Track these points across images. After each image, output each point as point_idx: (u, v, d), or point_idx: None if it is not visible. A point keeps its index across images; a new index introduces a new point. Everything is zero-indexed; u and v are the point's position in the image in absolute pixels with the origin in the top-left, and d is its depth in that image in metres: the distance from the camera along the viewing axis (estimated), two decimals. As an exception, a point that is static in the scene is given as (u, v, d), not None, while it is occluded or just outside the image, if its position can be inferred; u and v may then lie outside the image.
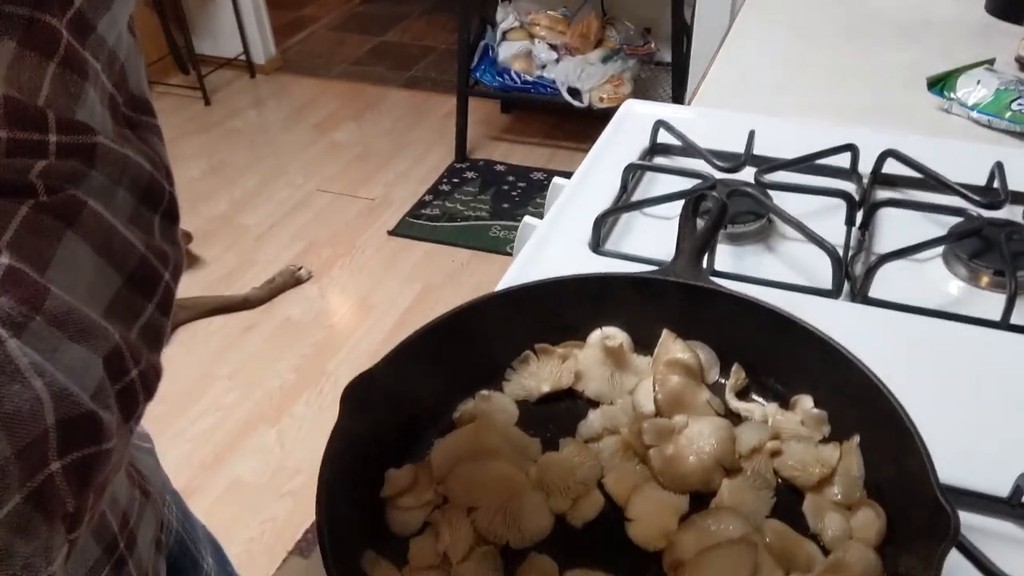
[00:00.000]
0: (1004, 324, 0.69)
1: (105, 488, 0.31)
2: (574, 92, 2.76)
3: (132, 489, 0.49)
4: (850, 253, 0.78)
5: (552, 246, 0.80)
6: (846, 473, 0.50)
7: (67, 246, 0.29)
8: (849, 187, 0.84)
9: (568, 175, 0.93)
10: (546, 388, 0.58)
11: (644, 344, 0.60)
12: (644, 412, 0.55)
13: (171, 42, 3.51)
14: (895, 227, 0.82)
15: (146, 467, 0.56)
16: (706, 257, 0.72)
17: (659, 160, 0.96)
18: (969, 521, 0.52)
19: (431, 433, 0.54)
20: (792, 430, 0.53)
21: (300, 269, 2.44)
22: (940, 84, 1.06)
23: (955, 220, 0.80)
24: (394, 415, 0.53)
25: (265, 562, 1.66)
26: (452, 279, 2.41)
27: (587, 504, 0.49)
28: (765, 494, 0.50)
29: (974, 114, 1.02)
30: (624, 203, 0.86)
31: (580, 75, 2.75)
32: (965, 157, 0.89)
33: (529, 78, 2.82)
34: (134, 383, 0.32)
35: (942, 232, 0.78)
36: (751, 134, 0.92)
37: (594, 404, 0.57)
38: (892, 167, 0.88)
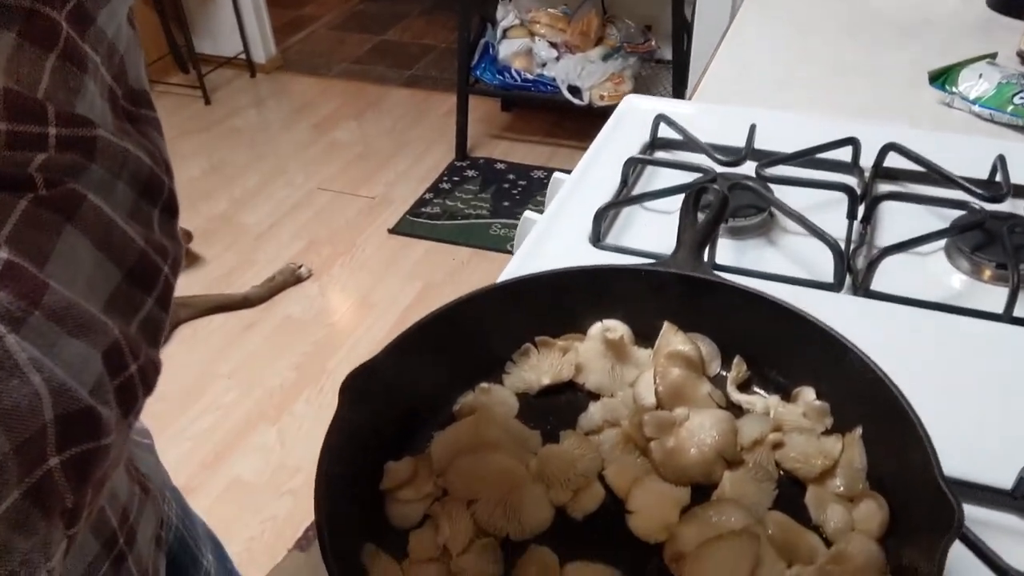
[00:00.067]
0: (1007, 317, 0.68)
1: (104, 483, 0.31)
2: (574, 90, 2.75)
3: (132, 485, 0.49)
4: (852, 247, 0.77)
5: (552, 240, 0.80)
6: (848, 465, 0.49)
7: (66, 240, 0.29)
8: (851, 181, 0.84)
9: (569, 172, 0.93)
10: (546, 381, 0.57)
11: (645, 337, 0.59)
12: (645, 404, 0.54)
13: (171, 41, 3.51)
14: (897, 221, 0.82)
15: (145, 464, 0.55)
16: (707, 250, 0.72)
17: (660, 155, 0.95)
18: (972, 514, 0.51)
19: (431, 426, 0.54)
20: (794, 422, 0.52)
21: (300, 267, 2.44)
22: (942, 78, 1.05)
23: (957, 214, 0.79)
24: (393, 407, 0.53)
25: (265, 560, 1.65)
26: (452, 277, 2.41)
27: (588, 496, 0.49)
28: (767, 486, 0.50)
29: (976, 108, 1.01)
30: (625, 197, 0.85)
31: (580, 73, 2.74)
32: (967, 151, 0.89)
33: (529, 76, 2.82)
34: (133, 378, 0.32)
35: (944, 226, 0.77)
36: (752, 128, 0.91)
37: (595, 397, 0.57)
38: (894, 161, 0.87)
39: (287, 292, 2.39)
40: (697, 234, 0.62)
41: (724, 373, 0.58)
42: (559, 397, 0.58)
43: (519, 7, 2.89)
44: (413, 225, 2.66)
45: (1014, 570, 0.46)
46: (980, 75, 1.02)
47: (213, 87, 3.46)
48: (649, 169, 0.92)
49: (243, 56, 3.57)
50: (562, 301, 0.60)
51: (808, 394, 0.54)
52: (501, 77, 2.85)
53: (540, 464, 0.50)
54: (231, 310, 2.31)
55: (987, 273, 0.74)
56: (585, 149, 0.96)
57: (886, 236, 0.80)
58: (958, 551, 0.46)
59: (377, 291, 2.39)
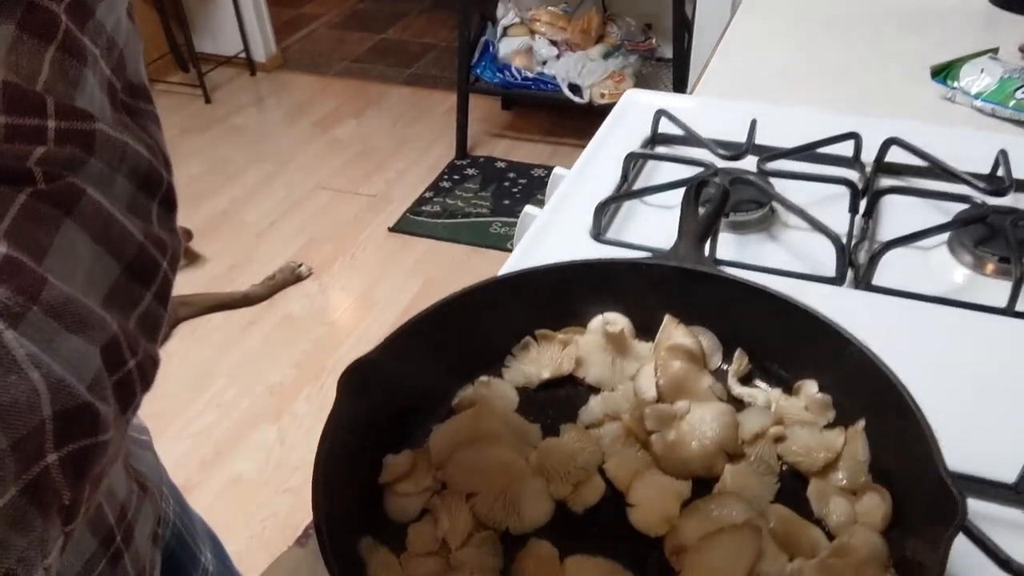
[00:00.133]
0: (1010, 311, 0.68)
1: (101, 479, 0.31)
2: (575, 88, 2.75)
3: (130, 483, 0.49)
4: (853, 241, 0.77)
5: (552, 235, 0.80)
6: (851, 458, 0.49)
7: (65, 234, 0.29)
8: (852, 175, 0.83)
9: (569, 168, 0.92)
10: (546, 374, 0.57)
11: (646, 330, 0.59)
12: (645, 398, 0.54)
13: (171, 40, 3.51)
14: (899, 215, 0.82)
15: (143, 461, 0.55)
16: (708, 244, 0.72)
17: (660, 149, 0.95)
18: (975, 508, 0.51)
19: (430, 419, 0.54)
20: (796, 415, 0.52)
21: (301, 266, 2.43)
22: (943, 73, 1.05)
23: (959, 208, 0.79)
24: (392, 401, 0.52)
25: (265, 559, 1.65)
26: (452, 276, 2.40)
27: (588, 490, 0.49)
28: (768, 479, 0.49)
29: (977, 103, 1.01)
30: (625, 191, 0.85)
31: (581, 71, 2.74)
32: (969, 145, 0.88)
33: (530, 74, 2.81)
34: (131, 374, 0.31)
35: (946, 220, 0.77)
36: (753, 123, 0.91)
37: (595, 390, 0.57)
38: (895, 155, 0.87)
39: (287, 290, 2.39)
40: (698, 227, 0.62)
41: (725, 367, 0.57)
42: (559, 391, 0.57)
43: (519, 5, 2.88)
44: (413, 223, 2.65)
45: (1017, 563, 0.45)
46: (982, 70, 1.01)
47: (213, 86, 3.46)
48: (650, 164, 0.92)
49: (243, 55, 3.57)
50: (562, 294, 0.59)
51: (810, 387, 0.53)
52: (501, 75, 2.84)
53: (540, 457, 0.50)
54: (231, 308, 2.31)
55: (990, 267, 0.74)
56: (585, 147, 0.95)
57: (888, 231, 0.80)
58: (961, 545, 0.46)
59: (377, 289, 2.39)
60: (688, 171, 0.84)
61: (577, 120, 2.98)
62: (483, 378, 0.56)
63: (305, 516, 1.76)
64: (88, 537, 0.43)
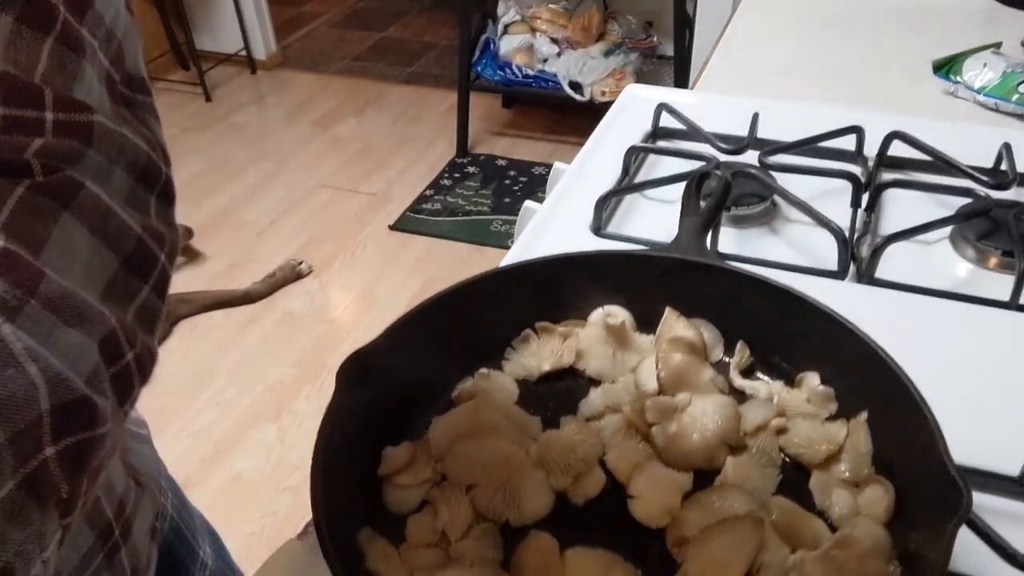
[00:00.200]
0: (1013, 304, 0.68)
1: (99, 473, 0.31)
2: (576, 86, 2.75)
3: (128, 479, 0.49)
4: (856, 235, 0.77)
5: (553, 229, 0.79)
6: (854, 449, 0.48)
7: (63, 228, 0.29)
8: (855, 170, 0.83)
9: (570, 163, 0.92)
10: (547, 367, 0.56)
11: (647, 323, 0.59)
12: (646, 390, 0.54)
13: (172, 38, 3.51)
14: (901, 209, 0.81)
15: (141, 455, 0.55)
16: (709, 237, 0.71)
17: (662, 144, 0.95)
18: (979, 501, 0.50)
19: (430, 411, 0.53)
20: (798, 408, 0.52)
21: (301, 264, 2.43)
22: (946, 67, 1.04)
23: (962, 202, 0.79)
24: (392, 393, 0.52)
25: (265, 556, 1.64)
26: (453, 274, 2.38)
27: (589, 482, 0.48)
28: (770, 472, 0.49)
29: (980, 97, 1.01)
30: (626, 185, 0.84)
31: (582, 69, 2.74)
32: (972, 139, 0.88)
33: (530, 72, 2.81)
34: (129, 367, 0.31)
35: (949, 214, 0.76)
36: (755, 117, 0.90)
37: (595, 383, 0.56)
38: (898, 150, 0.86)
39: (287, 288, 2.39)
40: (699, 220, 0.61)
41: (727, 359, 0.57)
42: (559, 383, 0.57)
43: (520, 3, 2.88)
44: (414, 222, 2.65)
45: (1021, 555, 0.45)
46: (985, 64, 1.01)
47: (214, 84, 3.46)
48: (651, 158, 0.91)
49: (244, 53, 3.57)
50: (563, 287, 0.59)
51: (812, 379, 0.53)
52: (502, 73, 2.84)
53: (540, 449, 0.50)
54: (231, 306, 2.30)
55: (993, 261, 0.73)
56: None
57: (890, 225, 0.79)
58: (965, 537, 0.45)
59: (377, 288, 2.38)
60: (689, 165, 0.84)
61: (578, 118, 2.98)
62: (483, 370, 0.56)
63: (305, 514, 1.76)
64: (86, 531, 0.43)
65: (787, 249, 0.77)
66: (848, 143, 0.88)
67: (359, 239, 2.59)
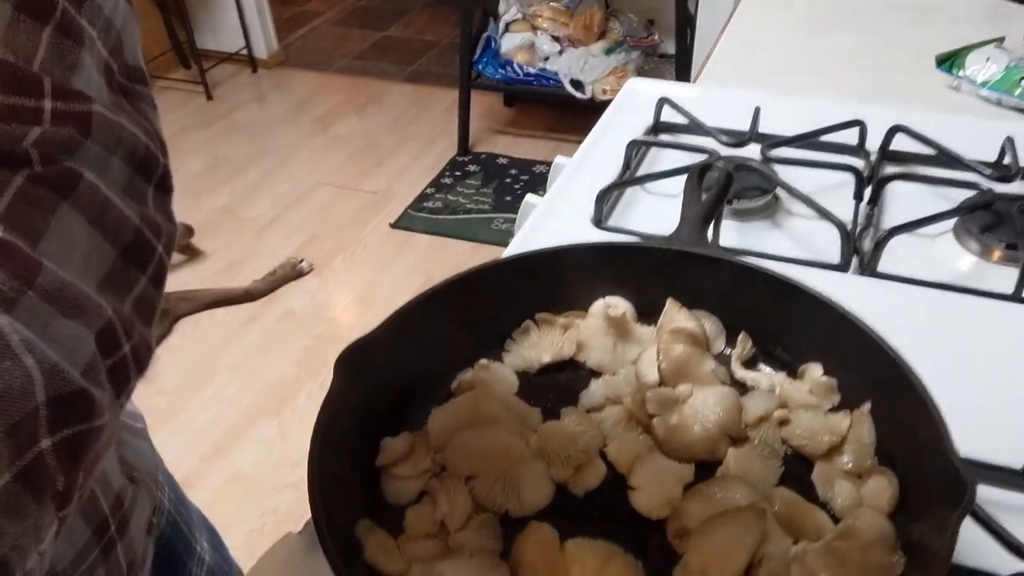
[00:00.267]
0: (1017, 297, 0.67)
1: (95, 464, 0.30)
2: (577, 84, 2.74)
3: (123, 475, 0.48)
4: (858, 228, 0.76)
5: (553, 222, 0.79)
6: (856, 441, 0.48)
7: (61, 218, 0.29)
8: (857, 164, 0.83)
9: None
10: (547, 358, 0.56)
11: (648, 314, 0.58)
12: (647, 382, 0.53)
13: (173, 37, 3.51)
14: (904, 203, 0.81)
15: (138, 449, 0.55)
16: (711, 229, 0.71)
17: (663, 138, 0.94)
18: (983, 494, 0.50)
19: (429, 403, 0.53)
20: (800, 399, 0.51)
21: (302, 262, 2.43)
22: (949, 62, 1.04)
23: (965, 195, 0.78)
24: (391, 384, 0.52)
25: (266, 554, 1.64)
26: (454, 272, 2.38)
27: (589, 473, 0.48)
28: (773, 463, 0.49)
29: (983, 92, 1.00)
30: (628, 178, 0.84)
31: (583, 67, 2.73)
32: (975, 133, 0.87)
33: (532, 70, 2.81)
34: (126, 358, 0.31)
35: (952, 207, 0.76)
36: (756, 111, 0.90)
37: (596, 374, 0.56)
38: (900, 143, 0.86)
39: (288, 286, 2.38)
40: (701, 211, 0.61)
41: (728, 351, 0.57)
42: (560, 375, 0.57)
43: (521, 1, 2.88)
44: (415, 220, 2.65)
45: (1027, 547, 0.45)
46: (988, 59, 1.01)
47: (215, 82, 3.46)
48: (652, 152, 0.91)
49: (245, 51, 3.56)
50: (563, 278, 0.59)
51: (815, 371, 0.53)
52: (503, 71, 2.84)
53: (540, 440, 0.49)
54: (232, 304, 2.30)
55: (996, 254, 0.73)
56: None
57: (893, 218, 0.79)
58: (969, 529, 0.45)
59: (378, 286, 2.38)
60: (691, 158, 0.83)
61: (579, 116, 2.97)
62: (483, 361, 0.55)
63: (306, 511, 1.75)
64: (81, 526, 0.43)
65: (789, 243, 0.77)
66: (850, 137, 0.87)
67: (360, 237, 2.59)
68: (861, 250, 0.73)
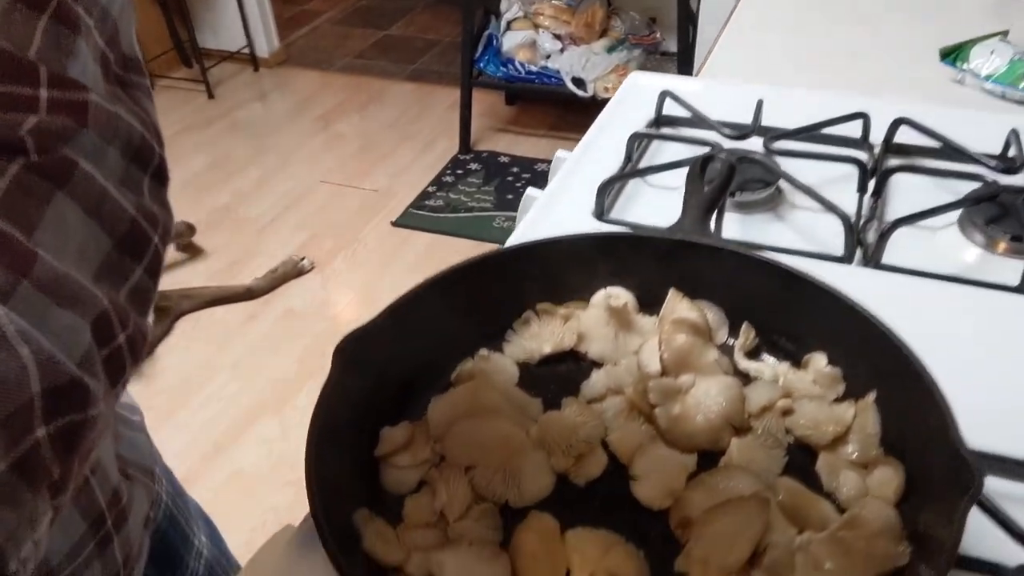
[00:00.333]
0: (1022, 289, 0.66)
1: (90, 454, 0.30)
2: (578, 82, 2.74)
3: (120, 471, 0.48)
4: (862, 220, 0.76)
5: (554, 215, 0.78)
6: (862, 430, 0.47)
7: (57, 208, 0.29)
8: (861, 156, 0.82)
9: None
10: (547, 349, 0.55)
11: (650, 305, 0.58)
12: (649, 372, 0.53)
13: (174, 36, 3.51)
14: (908, 196, 0.80)
15: (135, 442, 0.54)
16: (713, 222, 0.70)
17: (665, 131, 0.93)
18: (990, 485, 0.49)
19: (428, 393, 0.52)
20: (804, 389, 0.51)
21: (303, 260, 2.42)
22: (953, 55, 1.03)
23: (969, 187, 0.77)
24: (390, 374, 0.51)
25: (267, 551, 1.64)
26: (456, 270, 2.39)
27: (590, 462, 0.47)
28: (776, 453, 0.48)
29: (988, 85, 1.00)
30: (630, 171, 0.83)
31: (585, 65, 2.73)
32: (979, 126, 0.86)
33: (533, 68, 2.80)
34: (121, 348, 0.31)
35: (957, 199, 0.75)
36: (759, 103, 0.89)
37: (597, 365, 0.55)
38: (904, 136, 0.85)
39: (289, 284, 2.38)
40: (703, 202, 0.60)
41: (731, 341, 0.56)
42: (560, 366, 0.56)
43: (523, -1, 2.88)
44: (416, 218, 2.64)
45: (1035, 538, 0.44)
46: (992, 52, 1.00)
47: (216, 81, 3.46)
48: (654, 146, 0.90)
49: (246, 50, 3.56)
50: (565, 268, 0.58)
51: (819, 360, 0.52)
52: (505, 69, 2.83)
53: (541, 431, 0.49)
54: (233, 302, 2.30)
55: (1002, 246, 0.72)
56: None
57: (897, 211, 0.78)
58: (977, 520, 0.44)
59: (379, 284, 2.38)
60: (693, 151, 0.83)
61: (581, 115, 2.96)
62: (483, 352, 0.55)
63: (307, 509, 1.76)
64: (77, 520, 0.42)
65: (792, 235, 0.76)
66: (854, 130, 0.87)
67: (361, 235, 2.58)
68: (865, 242, 0.73)
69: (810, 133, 0.85)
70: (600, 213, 0.77)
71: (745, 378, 0.53)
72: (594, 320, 0.56)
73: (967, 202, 0.73)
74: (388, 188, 2.81)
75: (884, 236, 0.70)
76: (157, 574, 0.60)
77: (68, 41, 0.29)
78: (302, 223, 2.65)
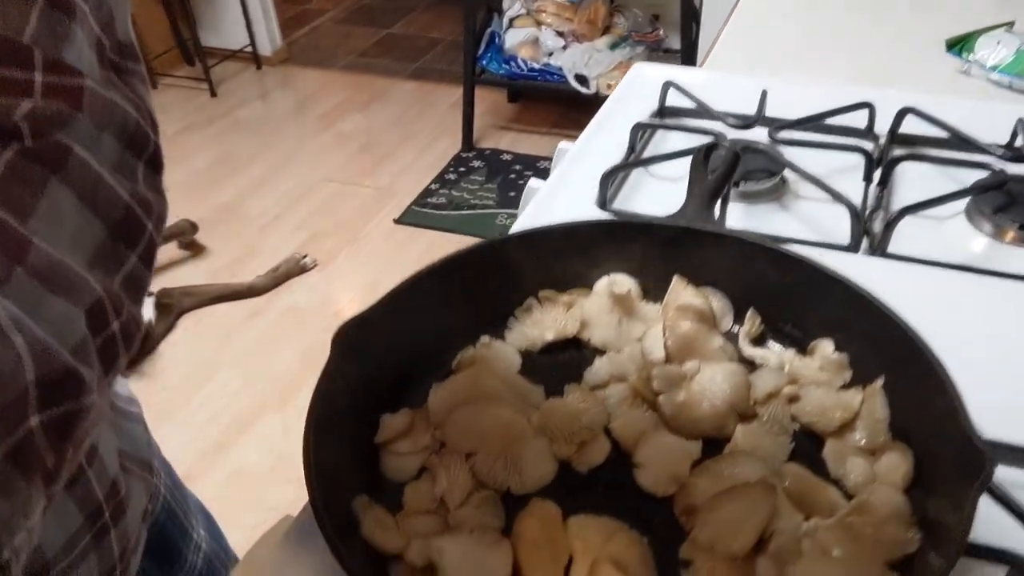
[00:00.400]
0: (1031, 278, 0.66)
1: (84, 442, 0.30)
2: (581, 79, 2.73)
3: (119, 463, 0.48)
4: (868, 210, 0.75)
5: (557, 205, 0.78)
6: (870, 416, 0.47)
7: (51, 194, 0.28)
8: (866, 146, 0.81)
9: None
10: (550, 336, 0.55)
11: (654, 293, 0.57)
12: (653, 359, 0.52)
13: (177, 34, 3.51)
14: (915, 185, 0.79)
15: (133, 434, 0.54)
16: (718, 210, 0.70)
17: (669, 120, 0.93)
18: (1001, 474, 0.49)
19: (429, 381, 0.52)
20: (811, 376, 0.50)
21: (305, 257, 2.42)
22: (959, 45, 1.02)
23: (976, 176, 0.76)
24: (390, 361, 0.50)
25: (269, 548, 1.63)
26: (458, 267, 2.38)
27: (593, 449, 0.47)
28: (782, 439, 0.47)
29: (994, 75, 0.99)
30: (633, 160, 0.83)
31: (587, 62, 2.72)
32: (986, 116, 0.86)
33: (536, 65, 2.80)
34: (115, 336, 0.31)
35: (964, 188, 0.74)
36: (764, 94, 0.89)
37: (600, 352, 0.54)
38: (910, 126, 0.84)
39: (292, 282, 2.38)
40: (707, 189, 0.59)
41: (736, 328, 0.55)
42: (563, 354, 0.55)
43: (525, -4, 2.87)
44: (418, 215, 2.64)
45: (1047, 525, 0.43)
46: (998, 42, 0.99)
47: (219, 80, 3.45)
48: (657, 137, 0.90)
49: (249, 49, 3.56)
50: (567, 255, 0.57)
51: (826, 347, 0.51)
52: (507, 66, 2.82)
53: (543, 417, 0.48)
54: (236, 299, 2.29)
55: (1010, 234, 0.71)
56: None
57: (904, 200, 0.77)
58: (987, 508, 0.44)
59: (382, 281, 2.36)
60: (696, 141, 0.82)
61: (583, 112, 2.93)
62: (484, 339, 0.54)
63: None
64: (74, 512, 0.42)
65: (797, 225, 0.76)
66: (859, 120, 0.86)
67: (363, 233, 2.58)
68: (871, 231, 0.72)
69: (815, 123, 0.84)
70: (603, 203, 0.76)
71: (751, 365, 0.52)
72: (597, 307, 0.56)
73: (975, 190, 0.72)
74: (390, 186, 2.80)
75: (890, 225, 0.69)
76: (155, 567, 0.59)
77: (63, 26, 0.29)
78: (304, 221, 2.65)
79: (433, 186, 2.77)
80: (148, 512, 0.54)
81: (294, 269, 2.39)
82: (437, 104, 3.31)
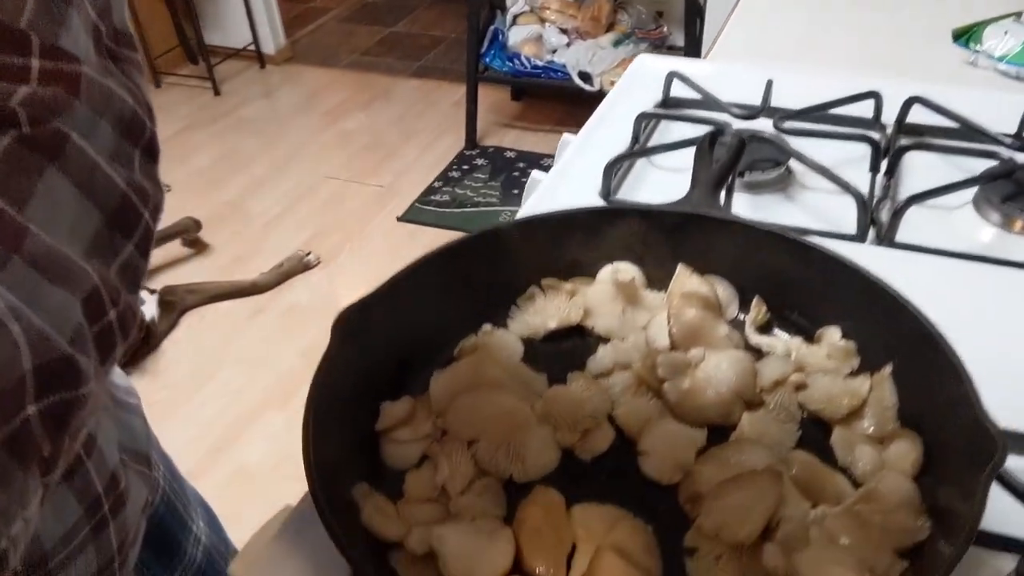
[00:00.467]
0: (1041, 267, 0.65)
1: (81, 431, 0.30)
2: (585, 76, 2.72)
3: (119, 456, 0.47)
4: (875, 199, 0.74)
5: (560, 195, 0.77)
6: (878, 404, 0.46)
7: (48, 182, 0.28)
8: (873, 135, 0.80)
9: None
10: (553, 324, 0.54)
11: (657, 280, 0.56)
12: (657, 347, 0.51)
13: (181, 33, 3.51)
14: (922, 174, 0.78)
15: (132, 426, 0.54)
16: (723, 199, 0.69)
17: (673, 110, 0.92)
18: (1012, 464, 0.48)
19: (430, 369, 0.51)
20: (818, 363, 0.49)
21: (308, 255, 2.42)
22: (966, 36, 1.01)
23: (984, 165, 0.75)
24: (390, 348, 0.50)
25: (272, 546, 1.63)
26: (462, 264, 2.38)
27: (597, 437, 0.46)
28: (789, 427, 0.46)
29: (1001, 66, 0.98)
30: (637, 150, 0.82)
31: (591, 59, 2.71)
32: (993, 106, 0.84)
33: (539, 63, 2.79)
34: (111, 325, 0.31)
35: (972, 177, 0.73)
36: (769, 84, 0.88)
37: (604, 341, 0.54)
38: (917, 116, 0.83)
39: (294, 280, 2.37)
40: (712, 176, 0.59)
41: (742, 316, 0.54)
42: (566, 343, 0.55)
43: (529, -7, 2.86)
44: (422, 213, 2.63)
45: (1059, 513, 0.42)
46: (1006, 32, 0.98)
47: (222, 78, 3.45)
48: (661, 127, 0.89)
49: (252, 47, 3.56)
50: (570, 243, 0.57)
51: (833, 334, 0.50)
52: (511, 64, 2.82)
53: (546, 405, 0.47)
54: (239, 297, 2.29)
55: (1018, 224, 0.70)
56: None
57: (911, 189, 0.76)
58: (998, 496, 0.43)
59: (385, 279, 2.36)
60: (701, 131, 0.80)
61: (587, 109, 2.90)
62: (487, 327, 0.54)
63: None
64: (73, 504, 0.42)
65: (803, 215, 0.75)
66: (865, 110, 0.85)
67: (366, 231, 2.57)
68: (878, 221, 0.71)
69: (821, 113, 0.83)
70: (607, 193, 0.76)
71: (757, 353, 0.51)
72: (601, 295, 0.55)
73: (983, 179, 0.72)
74: (394, 184, 2.80)
75: (898, 214, 0.68)
76: (154, 560, 0.59)
77: (60, 11, 0.29)
78: (308, 219, 2.64)
79: (436, 184, 2.77)
80: (148, 504, 0.53)
81: (297, 267, 2.38)
82: (440, 102, 3.30)
